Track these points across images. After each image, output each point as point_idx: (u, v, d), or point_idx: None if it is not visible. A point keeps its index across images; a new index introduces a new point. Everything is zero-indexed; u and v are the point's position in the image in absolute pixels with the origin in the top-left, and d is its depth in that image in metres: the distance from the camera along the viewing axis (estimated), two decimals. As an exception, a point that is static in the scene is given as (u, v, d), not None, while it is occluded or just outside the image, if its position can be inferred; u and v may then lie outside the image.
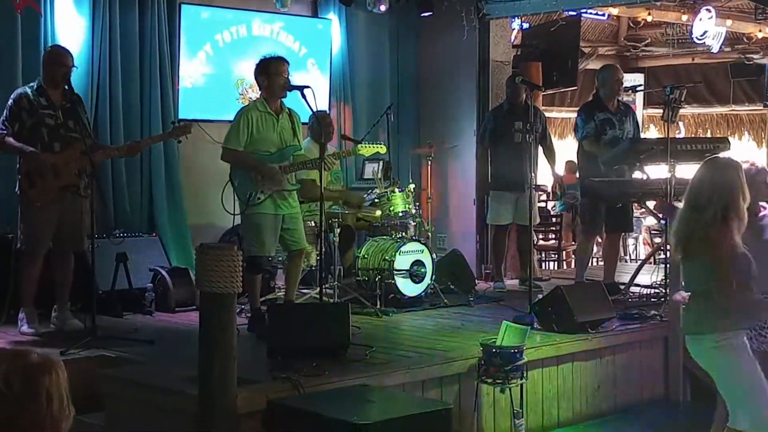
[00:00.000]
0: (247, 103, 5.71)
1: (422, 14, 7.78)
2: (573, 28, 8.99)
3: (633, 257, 10.18)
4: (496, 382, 4.33)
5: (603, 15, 9.97)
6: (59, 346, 4.54)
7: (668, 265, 5.79)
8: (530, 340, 4.56)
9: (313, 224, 5.87)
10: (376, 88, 7.89)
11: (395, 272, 5.82)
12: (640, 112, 11.48)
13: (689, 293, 3.53)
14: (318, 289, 5.23)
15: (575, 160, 6.99)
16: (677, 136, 11.02)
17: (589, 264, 7.14)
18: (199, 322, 3.69)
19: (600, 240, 7.34)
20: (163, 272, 5.91)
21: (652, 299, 6.12)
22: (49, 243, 5.00)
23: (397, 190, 6.24)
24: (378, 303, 5.73)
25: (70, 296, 5.19)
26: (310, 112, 4.95)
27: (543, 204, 9.88)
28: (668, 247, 5.63)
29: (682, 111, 10.35)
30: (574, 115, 6.84)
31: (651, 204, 6.66)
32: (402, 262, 5.87)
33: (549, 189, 8.99)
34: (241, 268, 3.62)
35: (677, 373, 5.41)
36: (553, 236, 9.68)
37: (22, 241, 5.02)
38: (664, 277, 6.04)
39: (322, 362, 4.11)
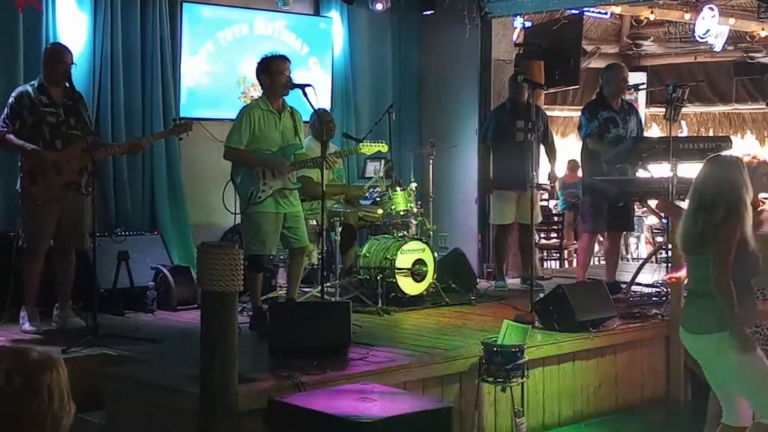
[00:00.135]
0: (248, 102, 5.71)
1: (424, 12, 7.78)
2: (575, 27, 8.97)
3: (635, 256, 10.18)
4: (497, 380, 4.33)
5: (605, 13, 9.96)
6: (61, 345, 4.54)
7: (669, 264, 5.78)
8: (531, 339, 4.56)
9: (315, 223, 5.88)
10: (377, 87, 7.89)
11: (397, 271, 5.82)
12: (643, 110, 11.46)
13: (692, 287, 3.52)
14: (319, 287, 5.23)
15: (577, 159, 6.99)
16: (680, 134, 11.00)
17: (591, 263, 7.14)
18: (200, 321, 3.70)
19: (602, 239, 7.34)
20: (165, 270, 5.91)
21: (654, 298, 6.11)
22: (50, 241, 5.00)
23: (398, 188, 6.24)
24: (379, 302, 5.73)
25: (72, 294, 5.19)
26: (312, 111, 4.95)
27: (545, 203, 9.88)
28: (670, 246, 5.65)
29: (684, 110, 10.31)
30: (577, 113, 6.85)
31: (653, 203, 6.66)
32: (403, 260, 5.87)
33: (554, 187, 9.00)
34: (242, 266, 3.62)
35: (678, 372, 5.41)
36: (555, 235, 9.67)
37: (23, 239, 5.02)
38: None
39: (323, 361, 4.11)
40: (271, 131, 5.04)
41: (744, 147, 11.25)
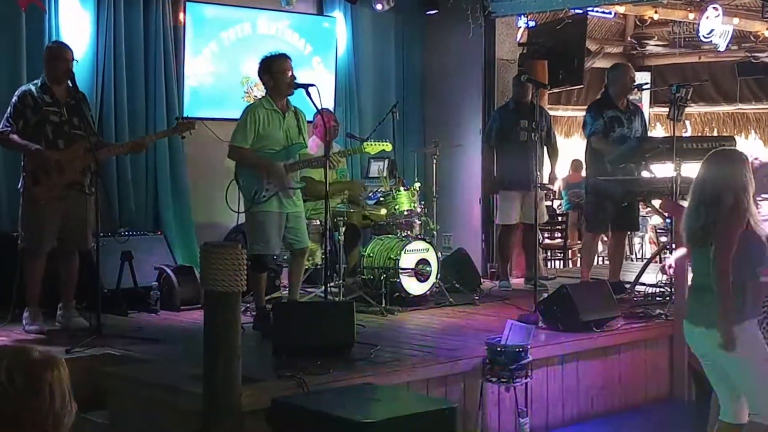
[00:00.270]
0: (252, 102, 5.71)
1: (428, 12, 7.78)
2: (579, 27, 8.96)
3: (639, 256, 10.16)
4: (501, 380, 4.32)
5: (609, 13, 9.94)
6: (64, 344, 4.55)
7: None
8: (535, 338, 4.55)
9: (319, 223, 5.87)
10: (381, 87, 7.89)
11: (400, 271, 5.82)
12: (647, 110, 11.45)
13: (696, 281, 3.51)
14: (323, 287, 5.22)
15: (581, 159, 6.98)
16: (683, 134, 10.99)
17: (595, 263, 7.12)
18: (203, 321, 3.69)
19: (606, 239, 7.32)
20: (169, 271, 5.91)
21: (657, 298, 6.10)
22: (53, 241, 4.99)
23: (402, 188, 6.23)
24: (383, 301, 5.72)
25: (76, 294, 5.18)
26: (315, 111, 4.94)
27: (549, 203, 9.87)
28: (674, 246, 5.63)
29: (688, 110, 10.31)
30: (580, 113, 6.84)
31: (656, 203, 6.64)
32: (407, 260, 5.86)
33: (555, 188, 9.00)
34: (245, 266, 3.62)
35: (682, 372, 5.40)
36: (559, 235, 9.66)
37: (23, 239, 5.00)
38: (669, 276, 6.01)
39: (326, 361, 4.10)
40: (275, 130, 5.03)
41: (748, 147, 11.23)
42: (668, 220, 6.79)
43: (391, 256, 5.85)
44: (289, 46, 7.00)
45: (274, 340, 4.37)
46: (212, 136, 6.52)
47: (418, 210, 6.28)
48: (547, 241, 9.55)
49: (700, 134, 11.44)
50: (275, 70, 4.99)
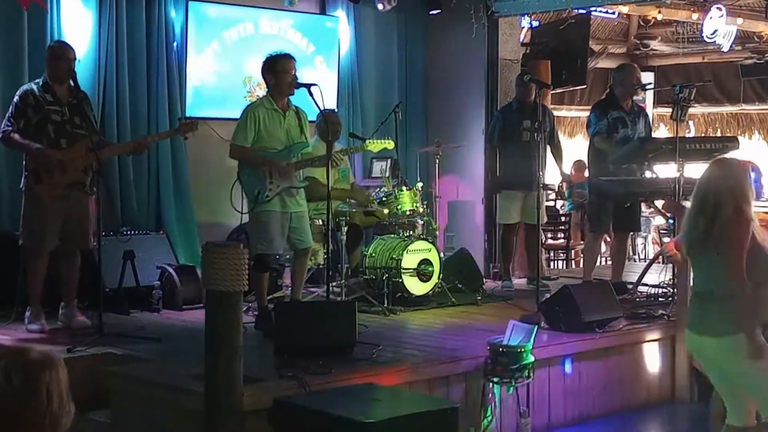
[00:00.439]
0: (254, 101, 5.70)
1: (431, 12, 7.76)
2: (582, 27, 8.95)
3: (642, 257, 10.14)
4: (503, 381, 4.32)
5: (613, 13, 9.93)
6: (66, 344, 4.56)
7: (676, 265, 5.75)
8: (537, 339, 4.54)
9: (321, 223, 5.87)
10: (384, 86, 7.88)
11: (403, 271, 5.81)
12: (650, 111, 11.40)
13: (699, 289, 3.49)
14: (325, 287, 5.22)
15: (584, 159, 6.96)
16: (687, 135, 10.97)
17: (598, 263, 7.11)
18: (205, 321, 3.69)
19: (609, 239, 7.31)
20: (171, 270, 5.91)
21: (660, 299, 6.09)
22: (55, 240, 5.00)
23: (404, 188, 6.22)
24: (385, 302, 5.72)
25: (78, 293, 5.19)
26: (317, 110, 4.94)
27: (552, 203, 9.85)
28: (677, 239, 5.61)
29: (692, 110, 10.30)
30: (584, 113, 6.82)
31: (659, 203, 6.62)
32: (409, 260, 5.86)
33: (557, 188, 8.97)
34: (247, 266, 3.61)
35: (684, 373, 5.38)
36: (562, 235, 9.65)
37: (25, 238, 5.01)
38: (671, 277, 6.01)
39: (328, 360, 4.10)
40: (275, 130, 5.02)
41: (751, 148, 11.21)
42: (671, 221, 6.78)
43: (394, 256, 5.85)
44: (292, 45, 6.99)
45: (275, 340, 4.37)
46: (215, 136, 6.52)
47: (421, 210, 6.27)
48: (550, 241, 9.54)
49: (703, 135, 11.42)
50: (278, 69, 4.99)
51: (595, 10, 9.21)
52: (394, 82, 7.92)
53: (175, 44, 6.63)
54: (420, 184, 6.42)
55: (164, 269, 5.93)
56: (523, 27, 8.56)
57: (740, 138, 8.50)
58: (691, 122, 11.58)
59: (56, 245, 5.01)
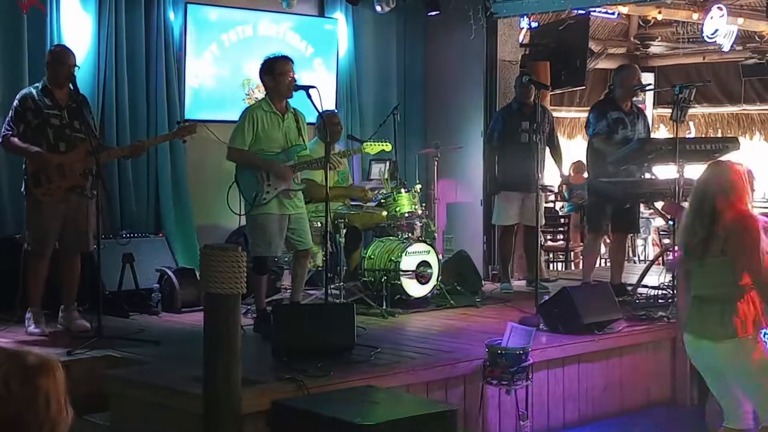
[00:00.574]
0: (253, 104, 5.70)
1: (429, 13, 7.76)
2: (582, 27, 8.95)
3: (642, 258, 10.13)
4: (502, 383, 4.31)
5: (613, 13, 9.92)
6: (66, 346, 4.56)
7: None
8: (536, 341, 4.54)
9: (320, 225, 5.87)
10: (382, 88, 7.88)
11: (401, 273, 5.81)
12: (650, 111, 11.42)
13: (702, 293, 3.47)
14: (324, 289, 5.22)
15: (583, 160, 6.95)
16: (688, 135, 10.95)
17: (597, 265, 7.10)
18: (203, 323, 3.69)
19: (608, 240, 7.30)
20: (170, 273, 5.91)
21: (660, 300, 6.08)
22: (55, 243, 5.01)
23: (403, 190, 6.22)
24: (384, 304, 5.72)
25: (77, 297, 5.19)
26: (316, 112, 4.94)
27: (551, 204, 9.85)
28: (676, 249, 5.61)
29: (692, 111, 10.30)
30: (583, 114, 6.81)
31: (659, 205, 6.61)
32: (408, 262, 5.86)
33: (556, 190, 8.97)
34: (246, 268, 3.62)
35: (684, 375, 5.38)
36: (561, 237, 9.64)
37: (28, 242, 5.03)
38: (671, 279, 6.00)
39: (327, 363, 4.10)
40: (274, 132, 5.02)
41: (752, 148, 11.20)
42: (671, 222, 6.77)
43: (392, 258, 5.85)
44: (291, 47, 6.99)
45: (274, 342, 4.37)
46: (214, 138, 6.52)
47: (419, 212, 6.27)
48: (549, 243, 9.54)
49: (704, 135, 11.40)
50: (277, 72, 4.99)
51: (595, 11, 9.21)
52: (392, 84, 7.92)
53: (173, 47, 6.63)
54: (419, 186, 6.42)
55: (163, 272, 5.94)
56: (522, 28, 8.55)
57: (741, 138, 8.49)
58: (691, 123, 11.57)
59: (56, 248, 5.02)
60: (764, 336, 3.51)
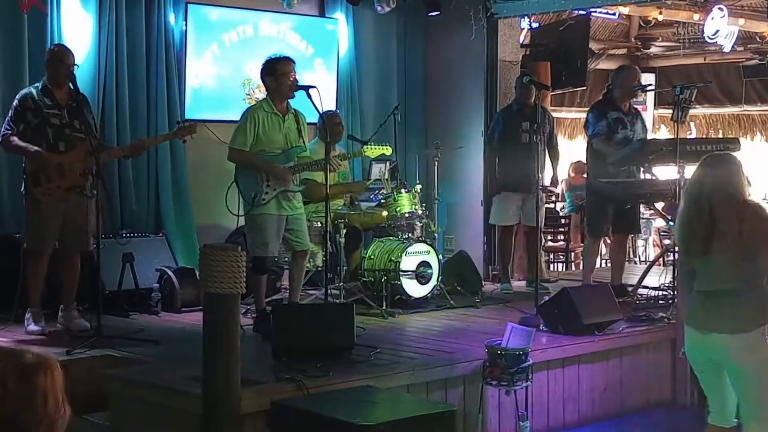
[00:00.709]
0: (253, 104, 5.70)
1: (430, 14, 7.76)
2: (582, 28, 8.94)
3: (642, 259, 10.12)
4: (501, 384, 4.31)
5: (613, 14, 9.92)
6: (65, 346, 4.56)
7: (676, 267, 5.74)
8: (536, 342, 4.54)
9: (320, 225, 5.87)
10: (383, 88, 7.88)
11: (401, 273, 5.81)
12: (651, 112, 11.42)
13: (711, 288, 3.42)
14: (324, 289, 5.22)
15: (583, 161, 6.95)
16: (688, 136, 10.95)
17: (597, 265, 7.10)
18: (203, 323, 3.69)
19: (609, 241, 7.30)
20: (170, 272, 5.91)
21: (660, 301, 6.08)
22: (55, 243, 5.01)
23: (403, 190, 6.22)
24: (384, 304, 5.71)
25: (77, 296, 5.20)
26: (317, 112, 4.94)
27: (551, 205, 9.84)
28: (677, 249, 5.60)
29: (693, 111, 10.29)
30: (584, 115, 6.79)
31: (659, 205, 6.60)
32: (408, 263, 5.85)
33: (557, 191, 8.97)
34: (245, 268, 3.61)
35: (684, 375, 5.37)
36: (562, 237, 9.64)
37: (27, 241, 5.03)
38: (672, 279, 6.00)
39: (326, 363, 4.10)
40: (274, 133, 5.02)
41: (753, 149, 11.19)
42: (672, 223, 6.77)
43: (392, 258, 5.85)
44: (291, 48, 6.99)
45: (274, 342, 4.37)
46: (214, 138, 6.51)
47: (420, 212, 6.27)
48: (549, 243, 9.53)
49: (704, 136, 11.39)
50: (278, 72, 4.99)
51: (595, 11, 9.20)
52: (393, 84, 7.92)
53: (174, 47, 6.63)
54: (419, 186, 6.41)
55: (163, 272, 5.94)
56: (523, 28, 8.55)
57: (742, 139, 8.49)
58: (692, 123, 11.56)
59: (55, 248, 5.01)
60: None
